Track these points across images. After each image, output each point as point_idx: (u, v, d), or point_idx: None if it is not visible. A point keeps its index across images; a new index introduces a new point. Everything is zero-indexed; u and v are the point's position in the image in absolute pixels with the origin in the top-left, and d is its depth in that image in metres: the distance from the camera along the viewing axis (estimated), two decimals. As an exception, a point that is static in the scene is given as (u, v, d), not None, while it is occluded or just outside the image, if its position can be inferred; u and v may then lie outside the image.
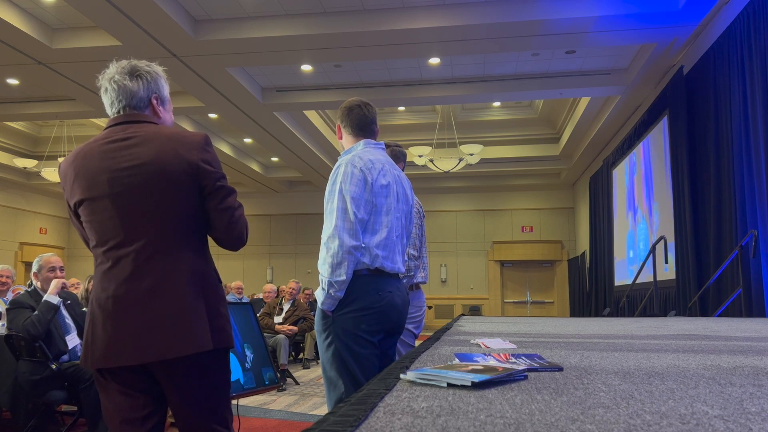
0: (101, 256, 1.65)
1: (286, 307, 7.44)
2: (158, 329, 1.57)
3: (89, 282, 5.43)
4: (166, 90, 1.79)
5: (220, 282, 1.74)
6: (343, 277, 2.01)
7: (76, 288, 5.44)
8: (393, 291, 2.13)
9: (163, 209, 1.61)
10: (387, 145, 2.87)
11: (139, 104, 1.71)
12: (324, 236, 2.13)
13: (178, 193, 1.62)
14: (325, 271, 2.03)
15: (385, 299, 2.09)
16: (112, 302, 1.60)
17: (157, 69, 1.77)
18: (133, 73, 1.71)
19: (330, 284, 2.02)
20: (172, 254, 1.62)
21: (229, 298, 8.51)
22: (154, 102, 1.74)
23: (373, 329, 2.06)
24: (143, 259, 1.60)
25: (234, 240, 1.72)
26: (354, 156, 2.15)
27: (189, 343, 1.58)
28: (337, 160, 2.28)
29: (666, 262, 6.68)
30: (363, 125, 2.28)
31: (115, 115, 1.71)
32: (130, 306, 1.59)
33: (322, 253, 2.06)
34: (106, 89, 1.72)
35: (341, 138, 2.32)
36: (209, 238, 1.75)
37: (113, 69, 1.72)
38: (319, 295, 2.08)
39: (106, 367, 1.61)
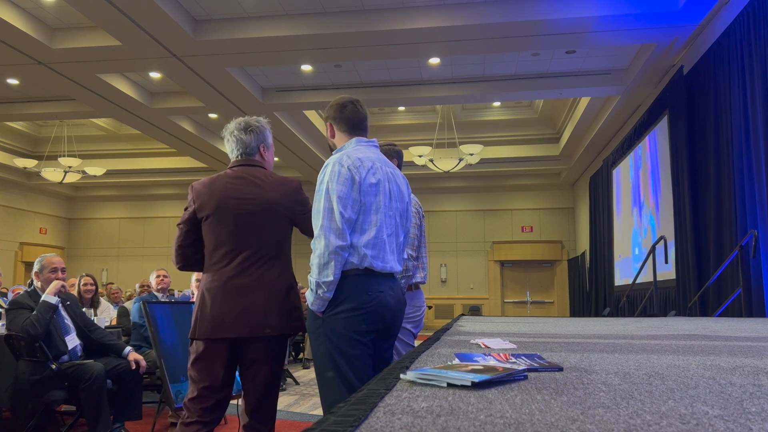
0: (216, 257, 2.23)
1: (286, 307, 7.44)
2: (251, 314, 2.15)
3: (81, 279, 5.46)
4: (270, 138, 2.45)
5: (296, 284, 2.35)
6: (331, 278, 1.98)
7: (73, 288, 5.44)
8: (385, 291, 2.07)
9: (265, 231, 2.25)
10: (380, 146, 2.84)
11: (251, 151, 2.38)
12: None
13: (276, 221, 2.27)
14: (313, 272, 2.01)
15: (375, 299, 2.03)
16: (221, 291, 2.18)
17: (264, 123, 2.43)
18: (247, 129, 2.37)
19: (318, 285, 1.99)
20: (267, 263, 2.23)
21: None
22: (261, 149, 2.40)
23: (363, 329, 2.02)
24: (247, 264, 2.20)
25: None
26: (342, 155, 2.12)
27: (273, 326, 2.16)
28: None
29: (666, 262, 6.68)
30: (356, 123, 2.27)
31: (236, 159, 2.38)
32: (234, 295, 2.17)
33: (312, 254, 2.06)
34: (228, 140, 2.38)
35: (333, 136, 2.32)
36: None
37: (233, 125, 2.38)
38: (309, 296, 2.05)
39: (211, 337, 2.15)
